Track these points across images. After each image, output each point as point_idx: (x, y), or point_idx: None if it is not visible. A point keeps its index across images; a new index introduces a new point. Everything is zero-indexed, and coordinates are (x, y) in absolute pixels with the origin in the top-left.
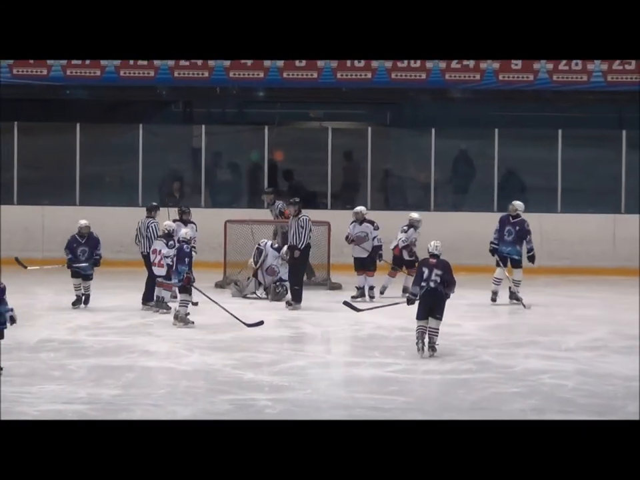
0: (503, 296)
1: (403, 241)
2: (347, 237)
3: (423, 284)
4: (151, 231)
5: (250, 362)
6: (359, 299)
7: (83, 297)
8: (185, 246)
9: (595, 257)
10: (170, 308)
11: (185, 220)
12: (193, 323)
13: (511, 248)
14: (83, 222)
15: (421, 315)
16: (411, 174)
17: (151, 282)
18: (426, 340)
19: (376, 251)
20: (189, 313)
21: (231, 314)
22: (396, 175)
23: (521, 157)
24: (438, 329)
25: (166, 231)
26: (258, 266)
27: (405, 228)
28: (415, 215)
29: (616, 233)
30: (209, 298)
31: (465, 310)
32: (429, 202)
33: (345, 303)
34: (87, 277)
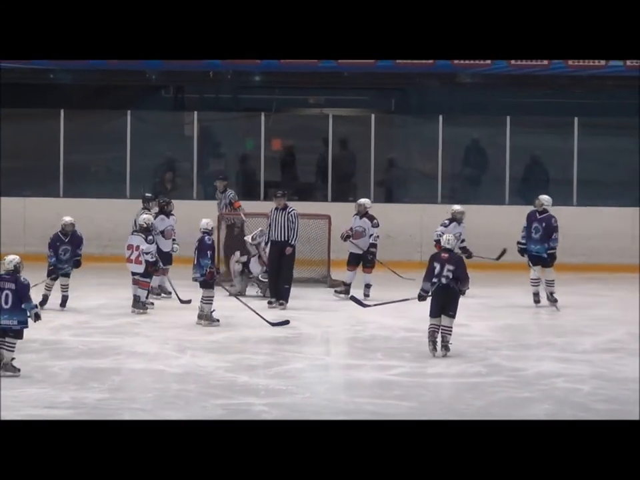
0: (518, 295)
1: (438, 234)
2: (342, 235)
3: (434, 280)
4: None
5: (244, 364)
6: (342, 295)
7: (61, 298)
8: (206, 237)
9: (613, 253)
10: (147, 308)
11: (167, 212)
12: (218, 321)
13: (539, 246)
14: (68, 219)
15: (434, 312)
16: (417, 164)
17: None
18: (438, 339)
19: (370, 249)
20: (214, 310)
21: (256, 312)
22: (400, 165)
23: (534, 146)
24: (451, 327)
25: (144, 225)
26: (255, 243)
27: (446, 222)
28: (457, 207)
29: (636, 227)
30: (234, 296)
31: (474, 309)
32: (436, 194)
33: (352, 298)
34: (66, 274)
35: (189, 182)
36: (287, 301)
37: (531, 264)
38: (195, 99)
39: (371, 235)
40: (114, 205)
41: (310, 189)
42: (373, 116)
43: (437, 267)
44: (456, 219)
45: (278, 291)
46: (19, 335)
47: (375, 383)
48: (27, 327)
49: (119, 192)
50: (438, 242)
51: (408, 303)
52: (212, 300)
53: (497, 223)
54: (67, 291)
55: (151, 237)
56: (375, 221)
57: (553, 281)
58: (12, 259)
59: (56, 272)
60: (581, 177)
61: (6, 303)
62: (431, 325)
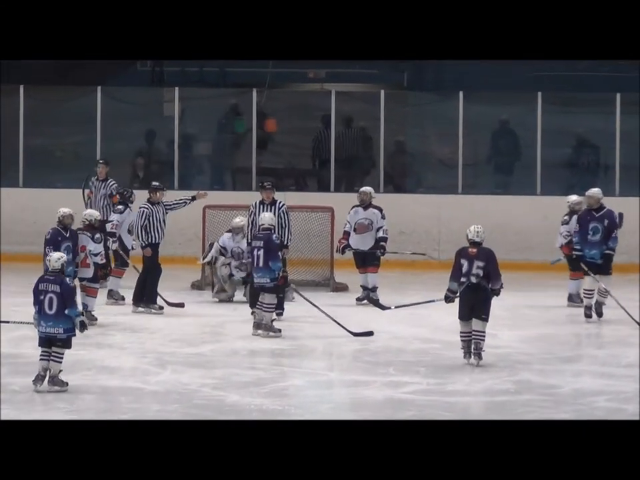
0: (551, 300)
1: (564, 235)
2: (337, 247)
3: (463, 279)
4: (135, 217)
5: (234, 381)
6: (364, 302)
7: None
8: (274, 236)
9: None
10: (96, 319)
11: (127, 203)
12: (279, 331)
13: (595, 251)
14: (67, 210)
15: (463, 316)
16: (434, 148)
17: (145, 278)
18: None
19: (381, 244)
20: (275, 319)
21: (335, 321)
22: (414, 149)
23: (569, 127)
24: (484, 332)
25: (87, 222)
26: (206, 262)
27: (566, 218)
28: (574, 197)
29: None
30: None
31: (502, 316)
32: (456, 183)
33: (369, 299)
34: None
35: (168, 169)
36: (281, 311)
37: (589, 271)
38: (175, 72)
39: (380, 227)
40: (81, 195)
41: (309, 176)
42: (382, 92)
43: (465, 264)
44: (575, 211)
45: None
46: (67, 344)
47: (385, 403)
48: (74, 334)
49: (88, 181)
50: (568, 244)
51: (424, 310)
52: (274, 307)
53: (526, 217)
54: None
55: (98, 236)
56: (383, 211)
57: (608, 292)
58: (59, 256)
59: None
60: (623, 161)
61: (50, 308)
62: (462, 333)
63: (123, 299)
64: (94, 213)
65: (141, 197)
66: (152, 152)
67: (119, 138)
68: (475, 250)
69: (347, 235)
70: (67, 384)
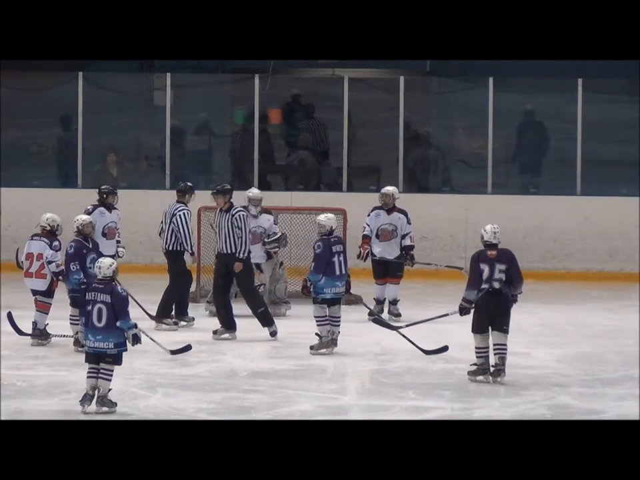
0: (591, 314)
1: None
2: (359, 255)
3: (485, 285)
4: (179, 222)
5: (234, 405)
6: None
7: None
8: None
9: None
10: (50, 337)
11: (108, 205)
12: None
13: None
14: (85, 218)
15: (480, 328)
16: (460, 142)
17: (175, 291)
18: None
19: (409, 254)
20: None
21: (409, 340)
22: (438, 143)
23: (611, 118)
24: (505, 345)
25: (48, 227)
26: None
27: None
28: None
29: None
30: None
31: (536, 332)
32: (485, 182)
33: (374, 320)
34: None
35: (159, 166)
36: (273, 326)
37: None
38: None
39: (407, 234)
40: (62, 196)
41: (319, 174)
42: (401, 79)
43: (485, 268)
44: None
45: (229, 320)
46: (117, 360)
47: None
48: (126, 349)
49: (68, 179)
50: None
51: (449, 325)
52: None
53: (565, 220)
54: None
55: (56, 242)
56: (409, 216)
57: None
58: (111, 262)
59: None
60: None
61: (99, 319)
62: (479, 349)
63: None
64: (57, 219)
65: (126, 198)
66: (140, 146)
67: (102, 131)
68: (494, 252)
69: (367, 239)
70: (116, 404)
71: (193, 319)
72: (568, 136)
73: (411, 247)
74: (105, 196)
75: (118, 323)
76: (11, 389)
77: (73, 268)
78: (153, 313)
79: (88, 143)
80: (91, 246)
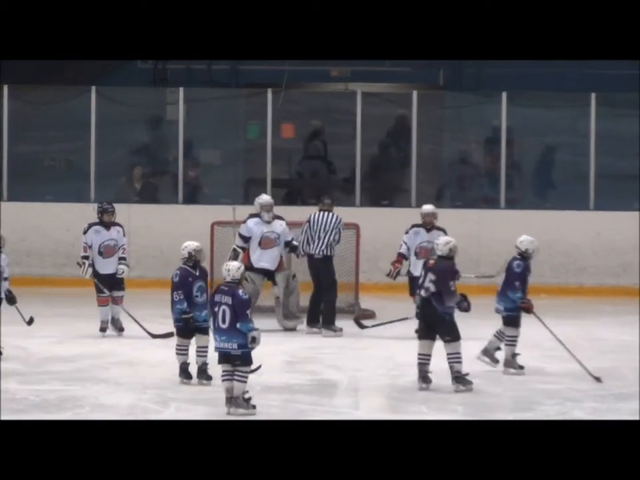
0: (605, 328)
1: None
2: (389, 272)
3: (418, 291)
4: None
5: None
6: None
7: (198, 369)
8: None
9: None
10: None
11: (106, 222)
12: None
13: None
14: (196, 244)
15: (422, 333)
16: (473, 157)
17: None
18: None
19: None
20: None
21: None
22: (451, 157)
23: (624, 133)
24: (456, 353)
25: None
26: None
27: None
28: None
29: None
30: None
31: (549, 348)
32: (498, 197)
33: (354, 319)
34: (204, 330)
35: (172, 180)
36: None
37: None
38: (180, 70)
39: None
40: (74, 210)
41: (332, 189)
42: (415, 93)
43: (422, 274)
44: None
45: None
46: (246, 361)
47: None
48: (249, 350)
49: (80, 193)
50: None
51: (464, 340)
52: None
53: (577, 235)
54: (205, 355)
55: (4, 256)
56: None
57: None
58: (239, 266)
59: (192, 324)
60: None
61: (223, 321)
62: (418, 356)
63: (121, 329)
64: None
65: (139, 212)
66: (153, 161)
67: (115, 145)
68: (432, 262)
69: (402, 258)
70: (255, 407)
71: (341, 329)
72: (581, 150)
73: None
74: (99, 215)
75: (238, 325)
76: (23, 403)
77: (177, 298)
78: (163, 328)
79: (100, 156)
80: (198, 274)
